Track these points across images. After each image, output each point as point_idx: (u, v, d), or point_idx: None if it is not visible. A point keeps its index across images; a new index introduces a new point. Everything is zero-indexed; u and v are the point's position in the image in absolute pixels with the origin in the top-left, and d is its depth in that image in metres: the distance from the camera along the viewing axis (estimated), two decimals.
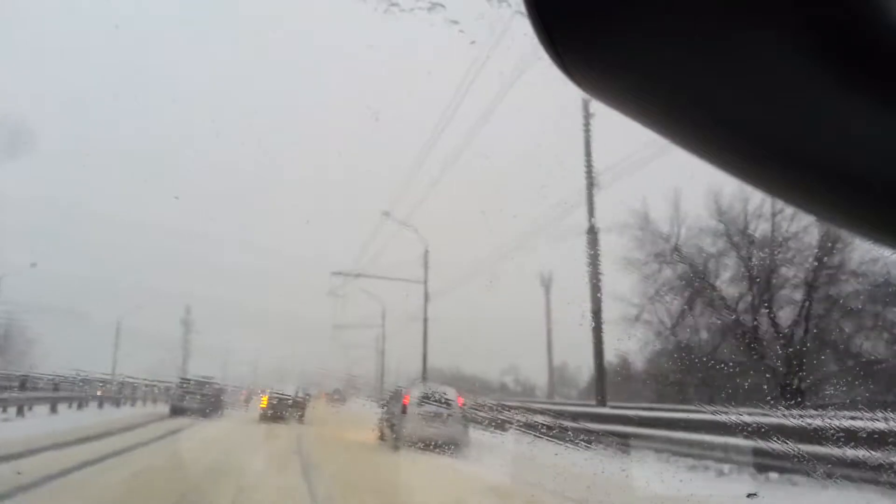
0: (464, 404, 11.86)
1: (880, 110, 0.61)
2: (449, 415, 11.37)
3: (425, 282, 20.53)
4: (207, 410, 16.62)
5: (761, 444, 7.86)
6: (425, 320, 20.32)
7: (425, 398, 11.52)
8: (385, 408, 13.16)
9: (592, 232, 13.35)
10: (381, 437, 12.36)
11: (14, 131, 17.31)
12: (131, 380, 21.22)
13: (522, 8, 0.68)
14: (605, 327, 13.45)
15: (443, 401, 11.51)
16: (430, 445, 10.42)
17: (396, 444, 11.08)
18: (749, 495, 7.22)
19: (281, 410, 16.46)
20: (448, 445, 10.56)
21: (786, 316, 15.20)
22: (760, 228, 15.55)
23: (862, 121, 0.63)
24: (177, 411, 16.57)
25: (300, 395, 17.35)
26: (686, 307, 17.11)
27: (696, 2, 0.63)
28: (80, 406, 16.87)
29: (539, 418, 11.14)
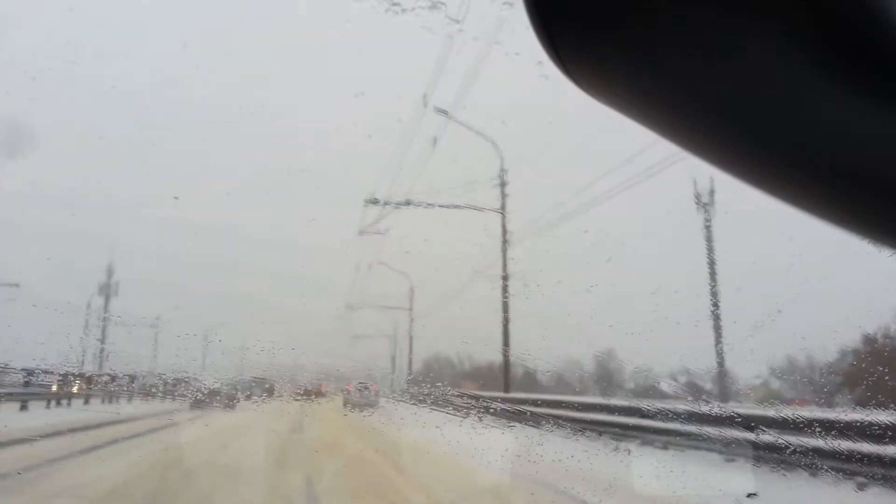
0: (377, 388, 26.94)
1: (880, 110, 0.62)
2: (368, 393, 26.46)
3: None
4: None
5: None
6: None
7: (358, 387, 26.66)
8: (345, 391, 28.41)
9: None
10: (342, 403, 27.51)
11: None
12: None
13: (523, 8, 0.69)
14: None
15: (365, 388, 26.62)
16: (356, 407, 25.40)
17: (345, 405, 26.18)
18: (749, 495, 7.29)
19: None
20: (366, 407, 25.48)
21: None
22: None
23: (862, 121, 0.63)
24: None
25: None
26: None
27: (697, 2, 0.64)
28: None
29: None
